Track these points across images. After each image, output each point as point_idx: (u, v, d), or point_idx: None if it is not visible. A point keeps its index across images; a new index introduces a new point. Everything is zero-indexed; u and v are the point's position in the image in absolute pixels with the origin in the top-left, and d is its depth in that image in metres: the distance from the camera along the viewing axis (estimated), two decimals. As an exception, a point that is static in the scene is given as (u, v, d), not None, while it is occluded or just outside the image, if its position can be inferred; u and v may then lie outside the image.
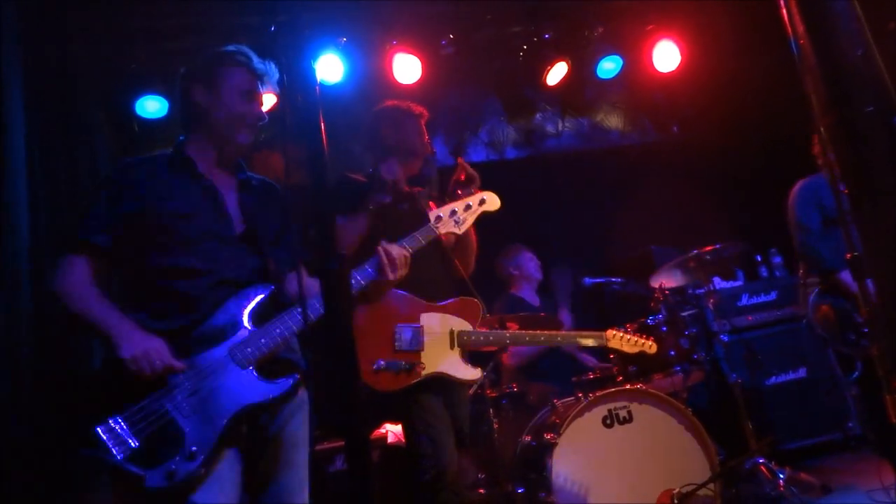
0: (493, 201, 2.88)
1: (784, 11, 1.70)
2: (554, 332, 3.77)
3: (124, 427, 2.01)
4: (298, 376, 2.27)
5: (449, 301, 3.09)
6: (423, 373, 2.90)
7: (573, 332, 3.82)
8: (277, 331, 2.19)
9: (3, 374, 2.95)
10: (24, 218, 3.26)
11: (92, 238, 2.20)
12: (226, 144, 2.38)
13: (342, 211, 2.98)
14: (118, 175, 2.32)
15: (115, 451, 1.98)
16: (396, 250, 2.48)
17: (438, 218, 2.73)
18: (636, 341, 3.60)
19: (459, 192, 3.02)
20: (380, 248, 2.46)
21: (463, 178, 3.10)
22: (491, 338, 3.18)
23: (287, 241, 2.39)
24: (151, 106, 4.77)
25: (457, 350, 3.00)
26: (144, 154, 2.40)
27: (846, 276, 3.82)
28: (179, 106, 2.45)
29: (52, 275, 2.20)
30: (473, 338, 3.05)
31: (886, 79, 1.58)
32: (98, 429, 1.99)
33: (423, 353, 2.94)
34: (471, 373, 3.03)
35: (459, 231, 2.78)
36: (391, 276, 2.43)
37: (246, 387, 2.13)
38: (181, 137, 2.41)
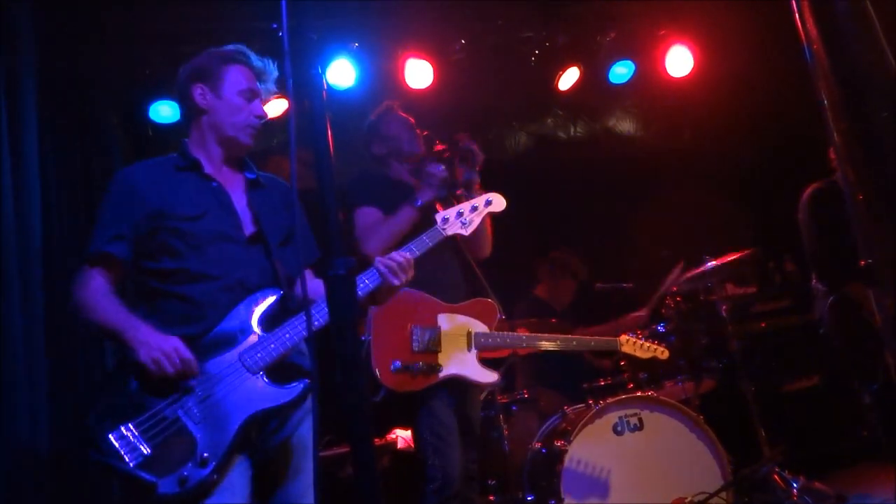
0: (498, 202, 2.81)
1: (797, 16, 1.69)
2: (569, 337, 3.76)
3: (136, 433, 2.01)
4: (308, 381, 2.26)
5: (465, 302, 3.09)
6: (441, 375, 2.89)
7: (587, 337, 3.81)
8: (287, 335, 2.18)
9: (18, 378, 2.97)
10: (37, 220, 3.28)
11: (106, 248, 2.21)
12: (229, 143, 2.38)
13: (379, 205, 3.06)
14: (126, 180, 2.32)
15: (127, 458, 1.98)
16: (397, 256, 2.45)
17: (445, 219, 2.69)
18: (649, 346, 3.59)
19: (460, 192, 3.02)
20: (377, 260, 2.40)
21: (462, 146, 3.11)
22: (507, 339, 3.18)
23: (296, 243, 2.36)
24: (165, 111, 4.78)
25: (474, 352, 2.99)
26: (152, 157, 2.41)
27: (859, 286, 3.79)
28: (181, 107, 2.46)
29: (70, 289, 2.21)
30: (490, 340, 3.04)
31: (901, 84, 1.56)
32: (110, 435, 1.99)
33: (440, 355, 2.93)
34: (487, 376, 3.02)
35: (466, 233, 2.73)
36: (395, 282, 2.41)
37: (256, 392, 2.13)
38: (185, 139, 2.41)
